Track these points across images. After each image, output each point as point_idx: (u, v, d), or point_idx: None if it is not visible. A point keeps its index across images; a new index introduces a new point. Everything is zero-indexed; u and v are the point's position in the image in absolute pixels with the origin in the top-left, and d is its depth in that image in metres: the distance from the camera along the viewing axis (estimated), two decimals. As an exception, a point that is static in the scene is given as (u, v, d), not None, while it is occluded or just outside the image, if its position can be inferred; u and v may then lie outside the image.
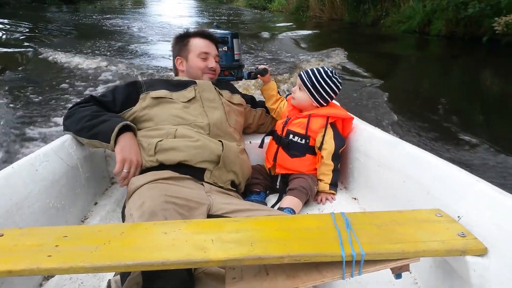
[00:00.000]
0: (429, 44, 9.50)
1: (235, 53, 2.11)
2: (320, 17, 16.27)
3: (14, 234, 0.98)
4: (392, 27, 11.59)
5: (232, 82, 2.12)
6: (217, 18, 18.55)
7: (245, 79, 2.15)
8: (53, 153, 1.56)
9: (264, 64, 2.12)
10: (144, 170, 1.51)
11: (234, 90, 1.98)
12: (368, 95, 5.49)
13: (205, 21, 16.50)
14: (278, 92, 2.07)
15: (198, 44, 1.88)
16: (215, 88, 1.83)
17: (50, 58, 7.20)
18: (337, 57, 7.71)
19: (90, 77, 6.09)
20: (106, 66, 6.61)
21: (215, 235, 0.97)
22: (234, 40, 2.10)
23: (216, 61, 1.91)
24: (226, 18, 18.63)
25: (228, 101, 1.84)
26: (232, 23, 16.09)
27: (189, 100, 1.70)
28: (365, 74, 6.61)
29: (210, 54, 1.88)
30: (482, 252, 0.94)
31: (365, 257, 0.89)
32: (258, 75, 2.04)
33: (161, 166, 1.49)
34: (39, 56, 7.27)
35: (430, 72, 7.07)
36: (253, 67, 2.19)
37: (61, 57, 7.25)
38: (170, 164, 1.48)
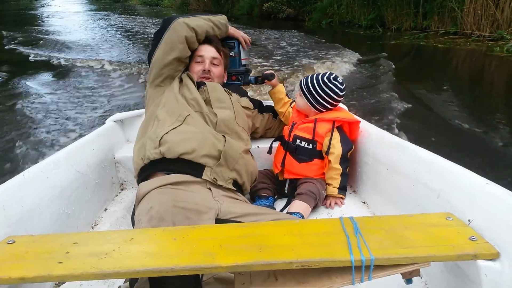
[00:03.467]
0: (252, 20, 17.36)
1: (242, 58, 2.12)
2: (197, 10, 23.82)
3: (26, 241, 1.00)
4: (236, 13, 19.88)
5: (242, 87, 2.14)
6: (117, 15, 22.59)
7: (253, 83, 2.16)
8: (64, 160, 1.58)
9: (270, 69, 2.13)
10: (147, 165, 1.52)
11: (242, 94, 1.99)
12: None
13: (107, 18, 19.88)
14: (287, 95, 2.07)
15: (197, 49, 1.89)
16: (224, 89, 1.84)
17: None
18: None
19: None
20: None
21: (224, 241, 0.97)
22: (241, 46, 2.11)
23: (213, 64, 1.89)
24: (125, 15, 22.80)
25: (237, 102, 1.85)
26: (132, 17, 20.46)
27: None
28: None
29: (205, 57, 1.88)
30: (494, 256, 0.92)
31: (375, 262, 0.89)
32: (265, 80, 2.05)
33: (163, 160, 1.49)
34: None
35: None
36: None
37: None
38: (171, 157, 1.48)
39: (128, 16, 21.73)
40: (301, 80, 1.88)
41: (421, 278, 1.25)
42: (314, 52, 9.03)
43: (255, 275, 0.98)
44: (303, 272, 0.94)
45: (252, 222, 1.32)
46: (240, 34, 2.07)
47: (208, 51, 1.89)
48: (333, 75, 1.82)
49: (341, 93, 1.81)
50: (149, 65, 1.81)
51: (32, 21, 18.67)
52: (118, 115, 2.24)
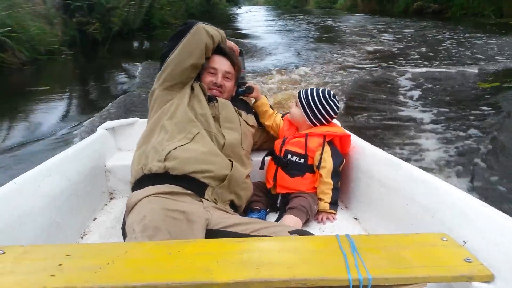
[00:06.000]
0: (407, 15, 20.05)
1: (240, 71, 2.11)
2: (364, 10, 27.45)
3: (17, 252, 0.97)
4: (395, 11, 22.83)
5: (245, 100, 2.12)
6: (294, 16, 26.56)
7: (241, 95, 2.13)
8: (55, 168, 1.55)
9: (250, 82, 2.11)
10: (147, 176, 1.49)
11: (249, 110, 1.98)
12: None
13: (283, 21, 22.98)
14: (271, 107, 2.07)
15: (211, 59, 1.85)
16: (235, 108, 1.82)
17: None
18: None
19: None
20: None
21: (220, 256, 0.96)
22: (238, 59, 2.10)
23: (225, 78, 1.87)
24: (303, 16, 26.48)
25: (245, 121, 1.85)
26: (311, 18, 23.73)
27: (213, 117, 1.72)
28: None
29: (218, 70, 1.85)
30: (489, 278, 0.93)
31: (372, 282, 0.89)
32: (247, 94, 2.03)
33: (165, 175, 1.46)
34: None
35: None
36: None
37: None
38: (176, 174, 1.45)
39: (308, 16, 25.73)
40: (299, 92, 1.89)
41: None
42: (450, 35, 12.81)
43: (251, 293, 0.97)
44: (300, 290, 0.93)
45: (242, 231, 1.32)
46: (231, 44, 2.03)
47: (222, 64, 1.86)
48: (332, 93, 1.85)
49: (337, 111, 1.84)
50: (161, 65, 1.75)
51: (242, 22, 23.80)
52: (109, 123, 2.21)
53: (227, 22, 22.75)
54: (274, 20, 25.48)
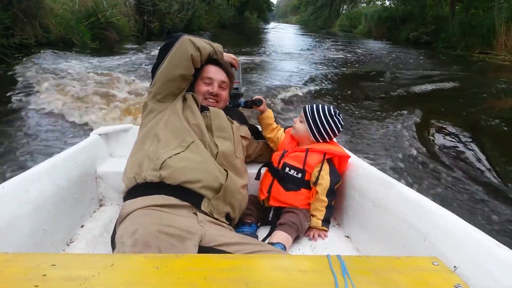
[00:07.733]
0: (409, 43, 22.40)
1: (234, 81, 2.12)
2: (376, 36, 28.35)
3: (0, 260, 0.95)
4: (401, 38, 24.63)
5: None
6: (312, 35, 29.21)
7: (242, 107, 2.15)
8: (45, 172, 1.53)
9: (259, 95, 2.14)
10: (141, 185, 1.47)
11: (243, 121, 1.98)
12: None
13: (309, 41, 23.84)
14: (276, 121, 2.08)
15: (205, 69, 1.87)
16: (227, 117, 1.82)
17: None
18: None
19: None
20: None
21: (208, 272, 0.94)
22: (232, 69, 2.11)
23: (221, 87, 1.89)
24: (318, 35, 29.13)
25: (237, 131, 1.84)
26: (331, 39, 24.78)
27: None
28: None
29: (214, 80, 1.87)
30: None
31: (362, 306, 0.87)
32: (253, 105, 2.06)
33: (160, 185, 1.44)
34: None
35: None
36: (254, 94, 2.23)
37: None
38: (171, 183, 1.44)
39: (323, 36, 28.11)
40: (305, 107, 1.90)
41: None
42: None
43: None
44: (288, 311, 0.91)
45: (235, 251, 1.30)
46: (230, 57, 2.06)
47: (218, 74, 1.88)
48: (338, 111, 1.88)
49: (341, 129, 1.87)
50: (152, 78, 1.78)
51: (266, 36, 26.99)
52: (102, 129, 2.19)
53: (255, 35, 26.88)
54: (293, 36, 28.25)
